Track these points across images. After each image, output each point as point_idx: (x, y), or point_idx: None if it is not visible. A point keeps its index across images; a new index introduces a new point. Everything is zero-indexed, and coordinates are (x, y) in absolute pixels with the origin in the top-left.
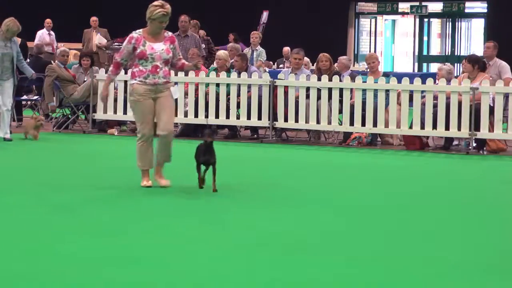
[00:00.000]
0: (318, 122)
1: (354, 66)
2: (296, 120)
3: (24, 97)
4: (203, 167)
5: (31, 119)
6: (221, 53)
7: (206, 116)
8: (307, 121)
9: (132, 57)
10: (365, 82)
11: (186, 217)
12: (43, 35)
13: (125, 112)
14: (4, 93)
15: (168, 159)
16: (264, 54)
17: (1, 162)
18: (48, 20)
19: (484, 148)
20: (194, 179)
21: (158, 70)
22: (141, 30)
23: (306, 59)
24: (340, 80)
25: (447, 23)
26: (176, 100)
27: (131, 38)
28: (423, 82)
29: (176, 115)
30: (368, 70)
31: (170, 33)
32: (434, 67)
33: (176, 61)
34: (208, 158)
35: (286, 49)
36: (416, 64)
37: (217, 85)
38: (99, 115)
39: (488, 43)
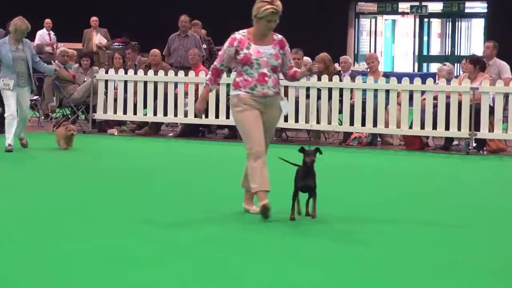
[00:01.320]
0: (318, 122)
1: (354, 66)
2: (296, 120)
3: None
4: (302, 196)
5: (62, 129)
6: None
7: (206, 116)
8: (307, 121)
9: (235, 62)
10: (365, 82)
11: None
12: (43, 35)
13: (125, 112)
14: (21, 101)
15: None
16: None
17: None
18: (47, 20)
19: (484, 148)
20: None
21: (266, 78)
22: (245, 30)
23: (307, 59)
24: (340, 80)
25: (447, 23)
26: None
27: (234, 40)
28: (423, 82)
29: (176, 115)
30: (368, 70)
31: (279, 36)
32: (434, 67)
33: (288, 69)
34: (307, 182)
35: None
36: (416, 64)
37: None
38: (99, 115)
39: (488, 43)
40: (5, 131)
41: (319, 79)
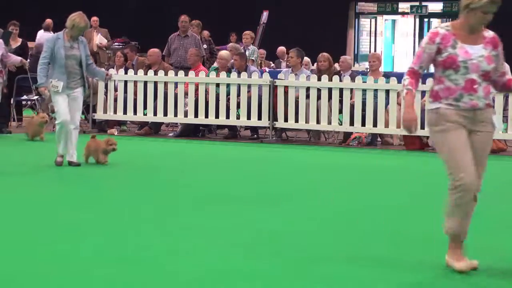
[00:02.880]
0: (318, 122)
1: (354, 66)
2: (296, 120)
3: (24, 97)
4: None
5: (102, 142)
6: (223, 53)
7: (206, 116)
8: (307, 121)
9: (436, 64)
10: (365, 82)
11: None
12: (44, 36)
13: (125, 112)
14: (73, 105)
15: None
16: (257, 52)
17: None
18: (48, 21)
19: None
20: None
21: (475, 86)
22: (449, 24)
23: (307, 59)
24: (340, 80)
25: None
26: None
27: (435, 35)
28: (423, 82)
29: (176, 115)
30: (369, 69)
31: (491, 33)
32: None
33: (499, 76)
34: None
35: (280, 49)
36: None
37: (217, 85)
38: (99, 115)
39: None
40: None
41: (319, 79)
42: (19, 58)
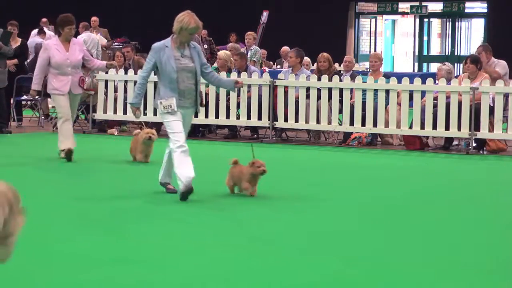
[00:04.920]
0: (318, 122)
1: (354, 66)
2: (296, 120)
3: (24, 97)
4: None
5: (246, 166)
6: (222, 53)
7: (206, 116)
8: (307, 121)
9: None
10: (365, 82)
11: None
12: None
13: (125, 112)
14: (185, 127)
15: None
16: (259, 53)
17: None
18: (44, 20)
19: (484, 148)
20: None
21: None
22: None
23: (307, 59)
24: (340, 80)
25: (447, 23)
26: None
27: None
28: (423, 82)
29: None
30: (369, 69)
31: None
32: (434, 67)
33: None
34: None
35: (284, 48)
36: (416, 64)
37: None
38: (99, 115)
39: (479, 49)
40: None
41: (319, 79)
42: (104, 62)
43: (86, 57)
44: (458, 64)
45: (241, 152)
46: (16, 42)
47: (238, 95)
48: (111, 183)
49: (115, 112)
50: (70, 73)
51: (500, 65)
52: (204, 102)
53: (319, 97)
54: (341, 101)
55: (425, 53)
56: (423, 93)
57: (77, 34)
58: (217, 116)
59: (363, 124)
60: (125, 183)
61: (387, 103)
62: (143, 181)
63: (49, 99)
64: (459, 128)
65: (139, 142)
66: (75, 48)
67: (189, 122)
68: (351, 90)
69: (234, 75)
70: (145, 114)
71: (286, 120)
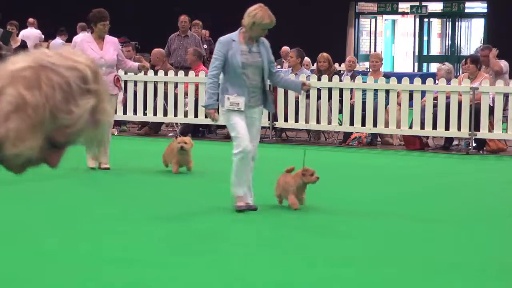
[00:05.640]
0: (318, 122)
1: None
2: (296, 120)
3: None
4: None
5: (295, 175)
6: None
7: (206, 117)
8: (307, 121)
9: None
10: (365, 82)
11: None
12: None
13: (125, 112)
14: (252, 129)
15: None
16: None
17: None
18: (31, 20)
19: (484, 148)
20: None
21: None
22: None
23: (307, 59)
24: (340, 80)
25: (447, 23)
26: (175, 100)
27: None
28: (423, 82)
29: (176, 115)
30: (370, 69)
31: None
32: (434, 67)
33: None
34: None
35: (284, 48)
36: (416, 64)
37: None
38: None
39: (485, 51)
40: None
41: (319, 79)
42: (136, 64)
43: (119, 57)
44: (458, 64)
45: None
46: (16, 42)
47: (308, 97)
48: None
49: (115, 112)
50: (104, 73)
51: (502, 63)
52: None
53: (319, 97)
54: (341, 101)
55: (425, 53)
56: (423, 93)
57: (74, 34)
58: None
59: (363, 124)
60: (127, 184)
61: (387, 103)
62: (147, 183)
63: None
64: (459, 128)
65: (174, 151)
66: (109, 46)
67: (259, 123)
68: (351, 90)
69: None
70: (145, 114)
71: (286, 120)
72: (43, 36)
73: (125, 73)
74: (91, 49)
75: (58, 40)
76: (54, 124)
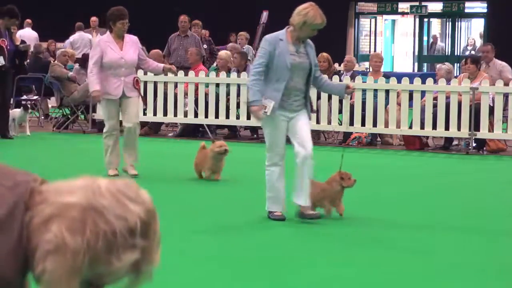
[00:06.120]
0: (318, 122)
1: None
2: None
3: (24, 97)
4: None
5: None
6: (223, 53)
7: (206, 116)
8: None
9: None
10: (365, 82)
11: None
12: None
13: None
14: (301, 132)
15: None
16: (252, 52)
17: None
18: (28, 21)
19: (484, 148)
20: None
21: None
22: None
23: None
24: (340, 80)
25: (447, 23)
26: (175, 99)
27: None
28: (423, 82)
29: (175, 115)
30: (370, 69)
31: None
32: (434, 67)
33: None
34: None
35: None
36: (416, 64)
37: (217, 85)
38: (99, 115)
39: (485, 47)
40: None
41: None
42: (161, 65)
43: (141, 56)
44: (458, 64)
45: (241, 152)
46: (16, 42)
47: (238, 95)
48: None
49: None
50: (124, 74)
51: (507, 70)
52: (314, 108)
53: (319, 97)
54: (341, 101)
55: (425, 53)
56: (423, 93)
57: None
58: (217, 116)
59: (363, 124)
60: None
61: (387, 103)
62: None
63: (48, 100)
64: (459, 128)
65: (207, 157)
66: (129, 46)
67: (303, 127)
68: None
69: (233, 75)
70: (145, 114)
71: None
72: (37, 37)
73: (145, 74)
74: (111, 49)
75: (84, 35)
76: (92, 271)
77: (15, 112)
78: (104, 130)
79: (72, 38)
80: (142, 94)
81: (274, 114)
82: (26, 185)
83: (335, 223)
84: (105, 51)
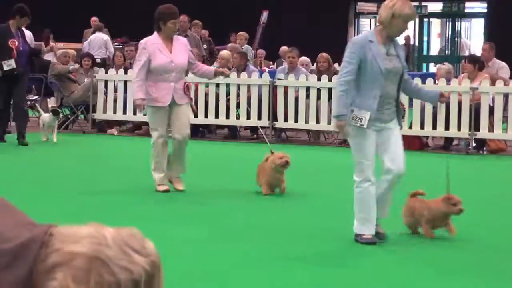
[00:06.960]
0: (318, 122)
1: None
2: (296, 120)
3: None
4: None
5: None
6: (225, 53)
7: (206, 116)
8: (307, 121)
9: None
10: None
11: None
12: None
13: (124, 112)
14: (391, 147)
15: None
16: (251, 51)
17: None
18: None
19: (484, 148)
20: None
21: None
22: None
23: (306, 59)
24: None
25: (447, 23)
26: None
27: None
28: (423, 82)
29: None
30: None
31: None
32: (434, 67)
33: None
34: None
35: (283, 48)
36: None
37: (217, 85)
38: (99, 115)
39: (485, 45)
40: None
41: (319, 79)
42: (212, 68)
43: (190, 60)
44: (458, 64)
45: (241, 152)
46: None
47: (238, 95)
48: (111, 184)
49: (114, 112)
50: (174, 80)
51: (505, 71)
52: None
53: (318, 97)
54: None
55: (425, 53)
56: None
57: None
58: (217, 116)
59: None
60: (129, 184)
61: None
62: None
63: (48, 100)
64: (459, 128)
65: (267, 169)
66: (179, 48)
67: (397, 142)
68: None
69: (233, 75)
70: (145, 114)
71: (285, 120)
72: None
73: (125, 73)
74: (160, 52)
75: (100, 35)
76: None
77: (45, 117)
78: (152, 141)
79: (90, 38)
80: (193, 101)
81: (370, 127)
82: (45, 227)
83: (335, 221)
84: (153, 54)
